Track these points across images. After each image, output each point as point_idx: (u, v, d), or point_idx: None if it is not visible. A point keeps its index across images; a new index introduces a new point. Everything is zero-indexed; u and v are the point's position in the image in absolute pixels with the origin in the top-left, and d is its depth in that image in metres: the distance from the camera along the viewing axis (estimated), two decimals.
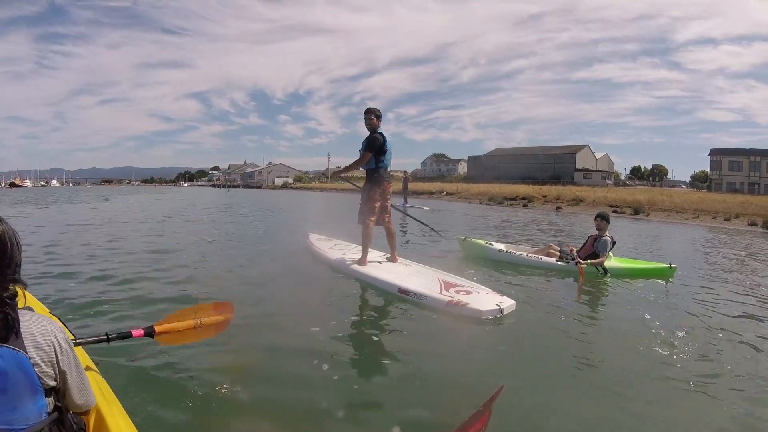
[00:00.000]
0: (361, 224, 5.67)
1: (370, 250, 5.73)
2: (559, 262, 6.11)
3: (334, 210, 22.42)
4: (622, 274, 5.96)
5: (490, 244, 6.97)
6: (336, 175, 5.97)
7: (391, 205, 5.91)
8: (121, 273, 5.45)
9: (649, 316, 4.36)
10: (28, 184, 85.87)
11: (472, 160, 77.85)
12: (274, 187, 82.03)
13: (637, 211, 22.61)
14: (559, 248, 6.40)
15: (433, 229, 7.94)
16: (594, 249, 6.09)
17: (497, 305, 4.19)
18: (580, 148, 68.26)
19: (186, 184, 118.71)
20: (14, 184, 72.66)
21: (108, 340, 2.04)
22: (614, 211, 23.10)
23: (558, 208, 26.26)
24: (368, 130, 5.60)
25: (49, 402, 1.21)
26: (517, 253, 6.60)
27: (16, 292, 1.19)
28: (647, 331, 3.90)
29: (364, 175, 5.82)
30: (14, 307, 1.15)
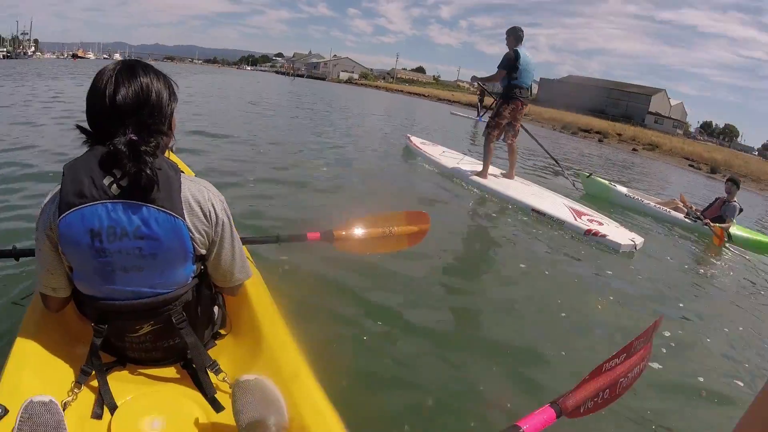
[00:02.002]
0: (484, 137, 5.92)
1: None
2: (686, 219, 6.22)
3: (414, 114, 22.30)
4: (743, 243, 5.93)
5: (614, 185, 6.94)
6: (476, 80, 6.22)
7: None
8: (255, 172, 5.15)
9: None
10: (91, 56, 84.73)
11: (545, 83, 72.89)
12: (339, 81, 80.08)
13: (713, 170, 21.82)
14: (683, 204, 6.56)
15: (556, 161, 7.47)
16: (721, 213, 6.19)
17: (631, 240, 4.28)
18: (657, 91, 63.07)
19: (249, 68, 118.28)
20: (77, 55, 72.36)
21: (278, 241, 1.92)
22: (690, 165, 22.47)
23: (634, 149, 25.44)
24: (508, 48, 5.67)
25: (197, 267, 1.15)
26: (644, 201, 6.65)
27: (158, 145, 1.03)
28: None
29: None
30: (153, 165, 0.98)
